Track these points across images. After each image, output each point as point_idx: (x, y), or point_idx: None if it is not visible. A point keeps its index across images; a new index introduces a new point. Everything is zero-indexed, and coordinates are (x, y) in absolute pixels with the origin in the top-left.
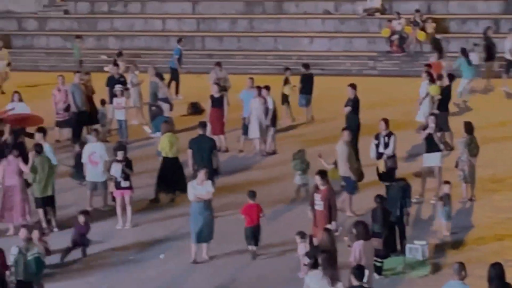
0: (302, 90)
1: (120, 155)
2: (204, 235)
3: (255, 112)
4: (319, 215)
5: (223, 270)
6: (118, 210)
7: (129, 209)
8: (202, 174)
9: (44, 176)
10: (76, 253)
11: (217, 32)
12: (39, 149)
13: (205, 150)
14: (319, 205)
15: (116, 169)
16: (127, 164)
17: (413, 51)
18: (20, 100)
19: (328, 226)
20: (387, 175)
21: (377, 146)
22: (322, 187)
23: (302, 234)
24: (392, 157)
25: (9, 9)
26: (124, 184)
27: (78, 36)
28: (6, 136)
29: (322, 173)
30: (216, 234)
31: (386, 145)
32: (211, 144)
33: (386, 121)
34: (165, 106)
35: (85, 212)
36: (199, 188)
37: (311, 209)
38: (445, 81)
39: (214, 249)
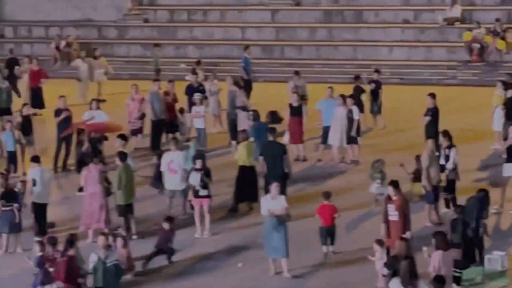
0: (374, 97)
1: (198, 163)
2: (278, 251)
3: (338, 121)
4: (393, 225)
5: (300, 280)
6: (197, 218)
7: (207, 217)
8: (274, 188)
9: (127, 183)
10: (156, 261)
11: (296, 41)
12: (123, 156)
13: (276, 156)
14: (394, 215)
15: (195, 178)
16: (206, 172)
17: (493, 60)
18: (98, 108)
19: (404, 235)
20: (448, 188)
21: (438, 158)
22: (395, 197)
23: (380, 243)
24: (453, 169)
25: (90, 18)
26: (203, 192)
27: (156, 45)
28: (87, 145)
29: (395, 184)
30: (291, 243)
31: (447, 158)
32: (282, 149)
33: (446, 134)
34: (243, 115)
35: (169, 219)
36: (272, 202)
37: (384, 223)
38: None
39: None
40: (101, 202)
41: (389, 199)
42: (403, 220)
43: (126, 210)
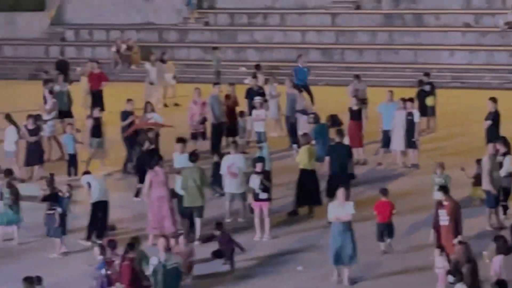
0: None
1: (259, 167)
2: (344, 258)
3: (398, 125)
4: (445, 230)
5: (360, 285)
6: (257, 221)
7: (267, 221)
8: (340, 194)
9: (194, 186)
10: (214, 265)
11: (357, 44)
12: (193, 158)
13: (342, 157)
14: (445, 220)
15: (255, 181)
16: (266, 176)
17: None
18: (153, 110)
19: (458, 239)
20: (503, 195)
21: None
22: (446, 202)
23: (441, 248)
24: (507, 177)
25: (150, 21)
26: (263, 196)
27: (215, 48)
28: (147, 145)
29: (444, 189)
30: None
31: (501, 165)
32: (348, 151)
33: (504, 140)
34: (302, 118)
35: (218, 225)
36: (339, 209)
37: (433, 229)
38: None
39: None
40: (170, 206)
41: (440, 204)
42: (455, 225)
43: (190, 213)
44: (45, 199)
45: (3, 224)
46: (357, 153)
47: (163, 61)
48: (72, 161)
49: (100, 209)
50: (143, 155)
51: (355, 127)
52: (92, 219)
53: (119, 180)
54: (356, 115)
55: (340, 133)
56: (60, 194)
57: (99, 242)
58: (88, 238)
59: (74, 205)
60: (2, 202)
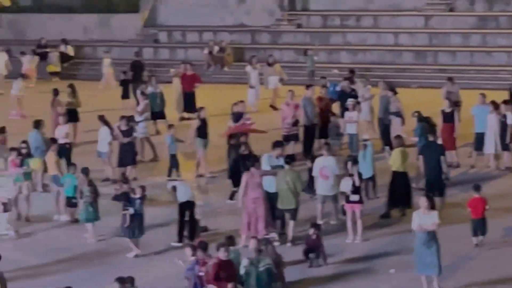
0: None
1: (353, 169)
2: (429, 267)
3: (491, 127)
4: None
5: None
6: (349, 223)
7: (359, 223)
8: (424, 201)
9: (287, 188)
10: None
11: (450, 46)
12: (289, 160)
13: (436, 156)
14: None
15: (347, 183)
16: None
17: None
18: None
19: None
20: None
21: None
22: None
23: None
24: None
25: (243, 23)
26: (354, 198)
27: (306, 50)
28: (243, 148)
29: None
30: (443, 249)
31: None
32: (441, 150)
33: None
34: (397, 120)
35: (315, 226)
36: (424, 217)
37: None
38: None
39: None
40: (265, 207)
41: None
42: None
43: (283, 214)
44: (115, 198)
45: (83, 221)
46: (450, 156)
47: (269, 64)
48: (173, 161)
49: (187, 209)
50: (238, 158)
51: (448, 130)
52: (180, 220)
53: (214, 181)
54: (449, 118)
55: (434, 131)
56: (132, 194)
57: (191, 243)
58: (180, 240)
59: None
60: (82, 200)
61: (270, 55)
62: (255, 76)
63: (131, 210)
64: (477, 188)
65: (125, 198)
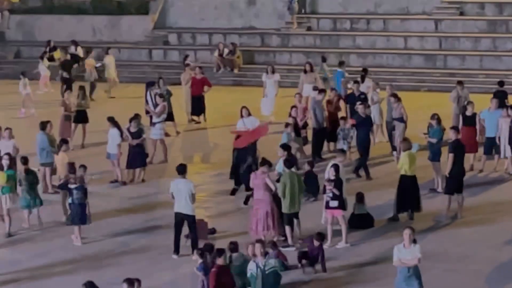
0: None
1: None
2: None
3: (503, 132)
4: None
5: None
6: (329, 228)
7: (343, 228)
8: (407, 235)
9: (293, 191)
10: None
11: (460, 50)
12: (288, 164)
13: (462, 156)
14: None
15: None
16: (338, 184)
17: None
18: (249, 115)
19: None
20: None
21: None
22: None
23: None
24: None
25: (252, 25)
26: (333, 204)
27: (324, 59)
28: (258, 153)
29: None
30: (458, 253)
31: None
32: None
33: None
34: (400, 126)
35: (319, 235)
36: (405, 251)
37: None
38: None
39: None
40: (267, 210)
41: None
42: None
43: (290, 219)
44: (58, 187)
45: (22, 208)
46: (468, 160)
47: (305, 71)
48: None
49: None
50: (252, 163)
51: (469, 133)
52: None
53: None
54: (470, 121)
55: (457, 129)
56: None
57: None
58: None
59: None
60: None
61: (307, 63)
62: (270, 84)
63: (69, 200)
64: None
65: (65, 188)
